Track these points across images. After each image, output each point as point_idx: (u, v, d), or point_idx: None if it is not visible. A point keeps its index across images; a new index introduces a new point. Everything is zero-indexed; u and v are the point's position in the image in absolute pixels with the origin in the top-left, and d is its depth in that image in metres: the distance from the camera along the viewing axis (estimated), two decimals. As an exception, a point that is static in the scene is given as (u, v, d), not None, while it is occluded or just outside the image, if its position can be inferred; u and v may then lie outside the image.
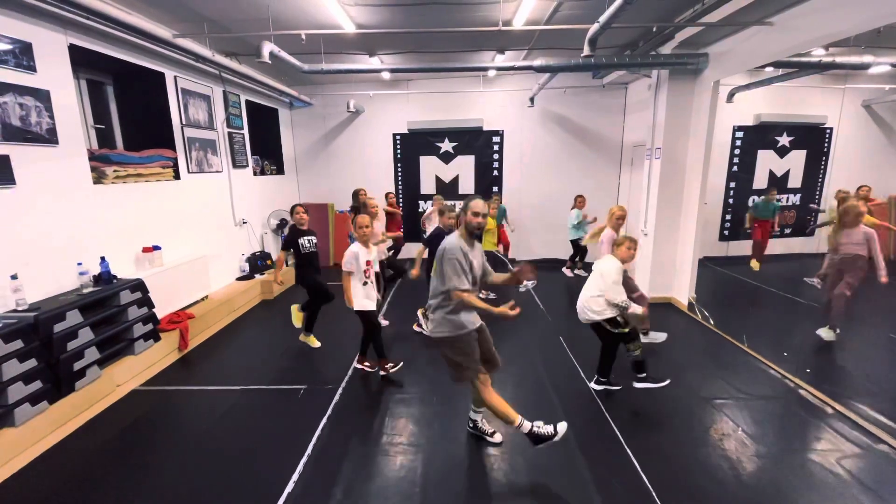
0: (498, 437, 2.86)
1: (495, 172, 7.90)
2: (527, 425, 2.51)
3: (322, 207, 7.84)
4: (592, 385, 3.53)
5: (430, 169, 7.98)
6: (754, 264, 6.71)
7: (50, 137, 3.37)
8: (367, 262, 3.61)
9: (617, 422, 3.06)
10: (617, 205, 4.18)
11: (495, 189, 7.93)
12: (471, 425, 2.94)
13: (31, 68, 3.26)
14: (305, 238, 4.16)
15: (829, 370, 3.81)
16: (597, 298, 3.23)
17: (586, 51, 3.84)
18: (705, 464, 2.63)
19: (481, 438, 2.87)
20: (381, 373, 3.71)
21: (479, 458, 2.73)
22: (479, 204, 2.44)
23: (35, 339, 2.91)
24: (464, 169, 7.93)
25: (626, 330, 3.23)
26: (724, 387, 3.52)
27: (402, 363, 3.78)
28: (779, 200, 7.17)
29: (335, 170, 8.13)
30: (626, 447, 2.79)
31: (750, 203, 7.08)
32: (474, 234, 2.49)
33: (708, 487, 2.45)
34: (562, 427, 2.52)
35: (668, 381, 3.33)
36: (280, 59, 4.37)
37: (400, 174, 8.06)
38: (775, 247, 7.09)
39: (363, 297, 3.60)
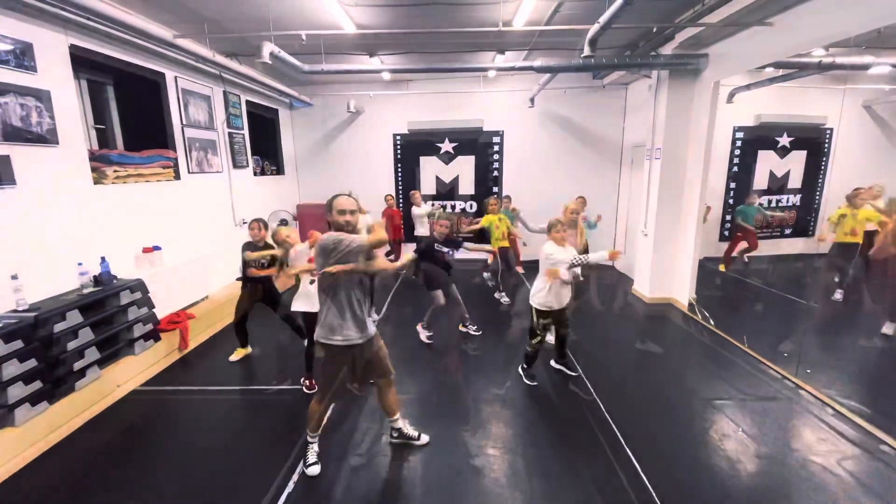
0: (424, 439, 2.83)
1: (495, 173, 7.90)
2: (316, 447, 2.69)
3: (322, 208, 7.84)
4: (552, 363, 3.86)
5: (431, 169, 7.97)
6: (722, 268, 6.69)
7: (50, 138, 3.37)
8: (310, 259, 3.19)
9: (617, 422, 3.06)
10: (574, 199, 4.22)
11: (495, 190, 7.93)
12: (395, 435, 2.86)
13: (32, 68, 3.26)
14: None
15: (829, 371, 3.80)
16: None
17: (587, 51, 3.84)
18: (705, 464, 2.63)
19: (505, 445, 2.84)
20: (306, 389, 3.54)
21: (478, 458, 2.73)
22: (341, 202, 2.38)
23: (35, 339, 2.91)
24: (464, 169, 7.92)
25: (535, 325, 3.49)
26: (724, 387, 3.52)
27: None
28: (761, 205, 7.17)
29: (335, 170, 8.12)
30: (626, 447, 2.79)
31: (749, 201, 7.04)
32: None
33: (708, 488, 2.45)
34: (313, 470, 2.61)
35: (535, 384, 3.59)
36: (280, 59, 4.37)
37: (400, 175, 8.06)
38: (778, 247, 7.08)
39: (304, 296, 3.35)
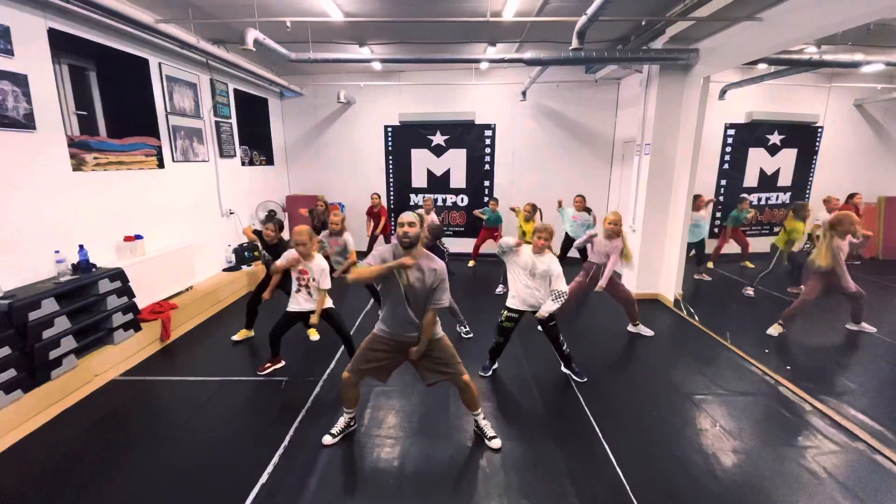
0: (496, 444, 2.73)
1: (487, 167, 7.86)
2: (345, 420, 2.85)
3: (312, 200, 7.77)
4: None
5: (422, 162, 7.92)
6: (710, 265, 6.79)
7: (27, 122, 3.31)
8: (301, 270, 3.44)
9: (595, 415, 3.06)
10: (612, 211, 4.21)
11: (486, 183, 7.90)
12: (475, 428, 2.88)
13: (9, 52, 3.19)
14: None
15: (809, 368, 3.83)
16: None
17: (574, 44, 3.81)
18: (681, 459, 2.64)
19: (481, 438, 2.81)
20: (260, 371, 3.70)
21: (455, 451, 2.72)
22: (406, 216, 2.46)
23: (9, 326, 2.87)
24: (455, 162, 7.88)
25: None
26: (705, 383, 3.53)
27: (271, 367, 3.73)
28: (751, 203, 7.20)
29: (326, 161, 8.07)
30: (603, 441, 2.79)
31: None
32: (404, 245, 2.48)
33: (683, 483, 2.45)
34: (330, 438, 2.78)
35: (487, 376, 3.62)
36: (265, 46, 4.31)
37: (391, 167, 8.01)
38: (767, 244, 7.11)
39: (293, 299, 3.53)
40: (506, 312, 3.46)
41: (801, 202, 5.47)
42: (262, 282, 4.22)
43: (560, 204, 6.15)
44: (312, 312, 3.49)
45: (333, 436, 2.78)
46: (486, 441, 2.75)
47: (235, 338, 4.31)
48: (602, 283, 4.07)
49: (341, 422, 2.84)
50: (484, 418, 2.83)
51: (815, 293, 4.14)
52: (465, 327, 4.40)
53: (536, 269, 3.31)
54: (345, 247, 4.60)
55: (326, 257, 4.98)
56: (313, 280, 3.45)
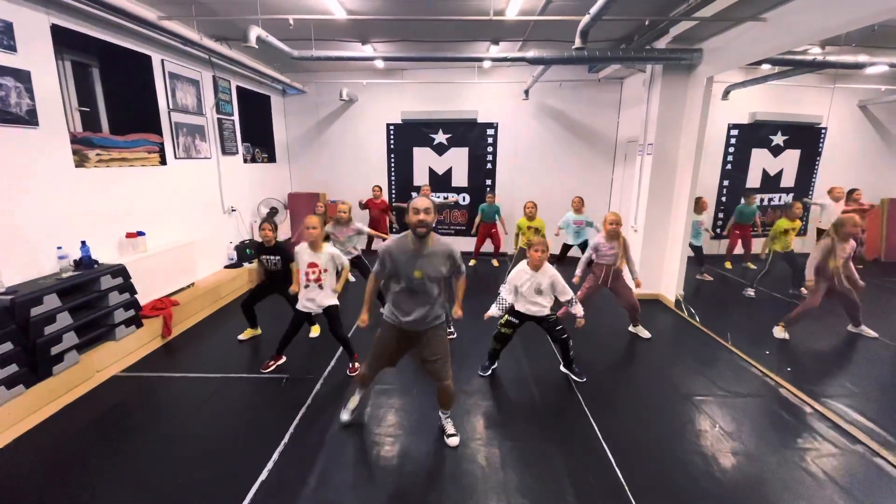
0: (453, 441, 2.76)
1: (489, 165, 7.85)
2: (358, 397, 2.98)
3: (314, 197, 7.79)
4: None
5: (424, 160, 7.92)
6: (727, 265, 6.82)
7: (30, 119, 3.31)
8: (310, 264, 3.42)
9: (595, 415, 3.06)
10: (611, 211, 4.22)
11: (489, 182, 7.89)
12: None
13: (12, 48, 3.20)
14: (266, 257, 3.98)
15: (809, 369, 3.82)
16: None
17: (577, 43, 3.80)
18: (681, 460, 2.64)
19: (481, 437, 2.85)
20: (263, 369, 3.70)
21: (455, 449, 2.73)
22: (420, 202, 2.40)
23: (11, 322, 2.88)
24: (457, 161, 7.87)
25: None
26: (705, 384, 3.52)
27: (274, 365, 3.74)
28: (761, 201, 7.20)
29: (328, 159, 8.07)
30: (602, 441, 2.79)
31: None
32: (419, 235, 2.43)
33: (682, 483, 2.45)
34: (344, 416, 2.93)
35: (486, 375, 3.63)
36: (268, 44, 4.31)
37: (393, 165, 8.01)
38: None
39: (302, 296, 3.52)
40: (506, 316, 3.45)
41: (791, 202, 5.49)
42: (256, 286, 4.22)
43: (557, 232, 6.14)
44: (321, 310, 3.50)
45: (351, 412, 2.91)
46: (445, 437, 2.79)
47: (241, 337, 4.30)
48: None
49: (355, 398, 2.95)
50: (448, 418, 2.86)
51: (819, 299, 4.11)
52: (450, 328, 4.37)
53: (542, 285, 3.32)
54: (358, 231, 4.62)
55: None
56: (324, 271, 3.45)
